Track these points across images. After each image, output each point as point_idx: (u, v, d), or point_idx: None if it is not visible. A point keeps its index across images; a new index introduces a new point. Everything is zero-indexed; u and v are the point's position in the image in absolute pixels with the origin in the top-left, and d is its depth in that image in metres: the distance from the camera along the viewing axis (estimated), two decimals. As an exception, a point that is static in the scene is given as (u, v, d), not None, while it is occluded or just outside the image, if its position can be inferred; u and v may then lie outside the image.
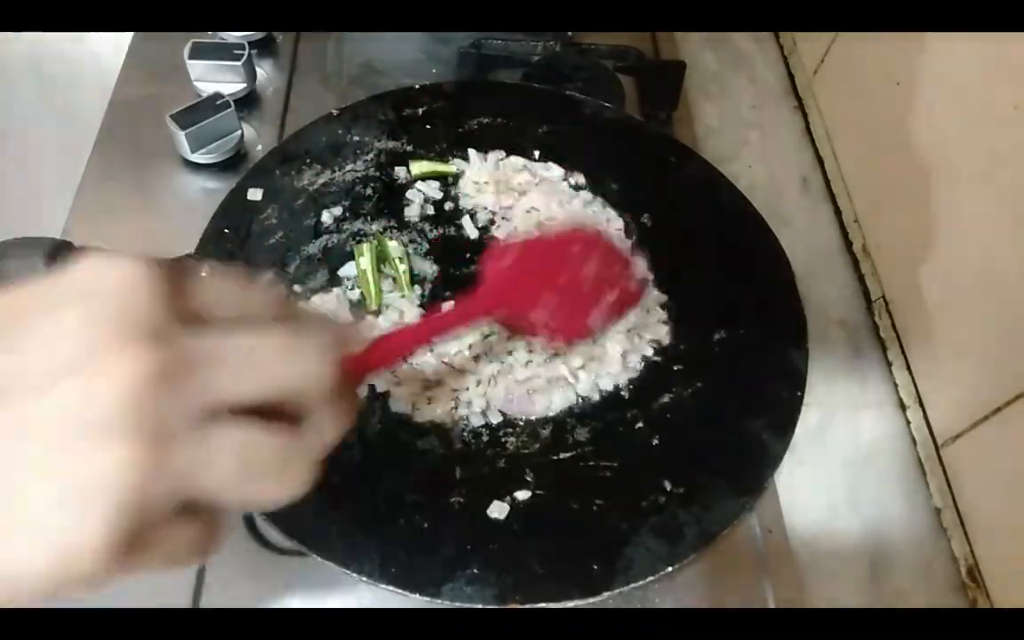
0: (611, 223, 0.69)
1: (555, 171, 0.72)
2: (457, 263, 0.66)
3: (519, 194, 0.70)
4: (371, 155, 0.72)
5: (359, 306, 0.62)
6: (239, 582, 0.54)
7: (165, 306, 0.27)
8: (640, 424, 0.59)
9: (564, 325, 0.55)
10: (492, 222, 0.69)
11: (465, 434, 0.57)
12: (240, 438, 0.28)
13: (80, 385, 0.25)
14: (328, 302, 0.62)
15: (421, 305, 0.63)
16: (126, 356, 0.25)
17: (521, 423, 0.58)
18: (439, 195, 0.70)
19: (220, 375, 0.28)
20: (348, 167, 0.71)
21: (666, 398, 0.59)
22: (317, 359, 0.31)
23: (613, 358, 0.60)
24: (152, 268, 0.28)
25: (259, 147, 0.76)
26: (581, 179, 0.72)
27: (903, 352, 0.66)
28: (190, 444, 0.26)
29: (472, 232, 0.68)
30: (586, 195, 0.71)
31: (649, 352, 0.62)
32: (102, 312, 0.26)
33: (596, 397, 0.59)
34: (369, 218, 0.68)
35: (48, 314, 0.26)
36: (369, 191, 0.70)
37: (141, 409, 0.25)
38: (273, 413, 0.30)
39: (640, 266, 0.64)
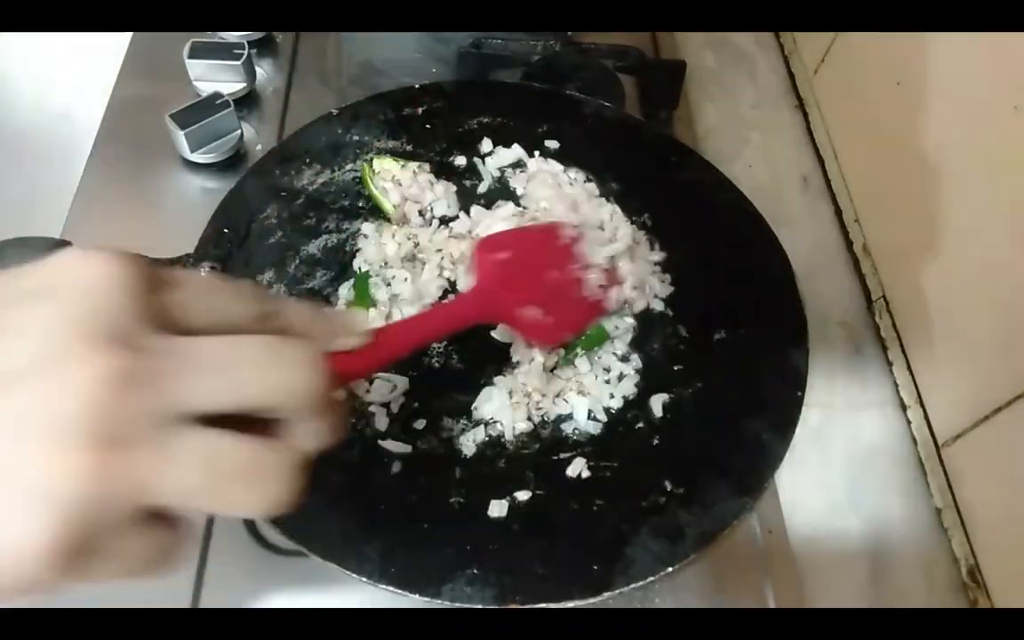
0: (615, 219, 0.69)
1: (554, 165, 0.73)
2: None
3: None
4: (371, 155, 0.72)
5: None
6: (239, 582, 0.54)
7: (136, 307, 0.27)
8: (640, 424, 0.58)
9: (550, 329, 0.57)
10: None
11: (465, 433, 0.57)
12: (207, 446, 0.27)
13: (41, 386, 0.25)
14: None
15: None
16: (89, 359, 0.25)
17: (521, 423, 0.58)
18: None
19: (188, 383, 0.27)
20: (348, 167, 0.71)
21: (666, 398, 0.59)
22: (296, 371, 0.30)
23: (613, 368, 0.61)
24: (127, 267, 0.27)
25: (259, 147, 0.76)
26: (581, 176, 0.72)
27: (903, 352, 0.66)
28: (151, 452, 0.26)
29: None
30: (590, 186, 0.71)
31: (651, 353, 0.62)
32: (71, 311, 0.26)
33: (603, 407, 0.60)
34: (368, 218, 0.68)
35: (17, 309, 0.26)
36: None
37: (99, 414, 0.25)
38: (251, 421, 0.29)
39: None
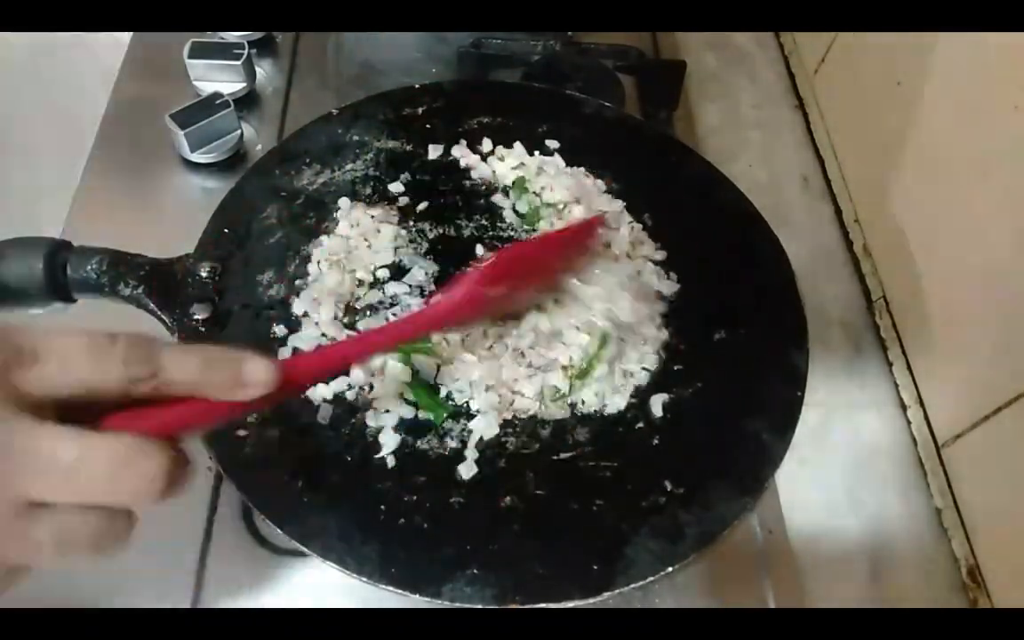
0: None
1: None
2: (457, 263, 0.66)
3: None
4: (371, 155, 0.72)
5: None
6: (239, 582, 0.54)
7: None
8: (640, 424, 0.58)
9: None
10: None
11: (465, 433, 0.57)
12: (56, 527, 0.29)
13: None
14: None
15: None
16: None
17: (521, 423, 0.58)
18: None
19: (30, 482, 0.28)
20: (348, 167, 0.71)
21: (666, 398, 0.59)
22: (142, 483, 0.31)
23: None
24: None
25: (259, 147, 0.76)
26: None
27: (903, 352, 0.66)
28: (5, 536, 0.28)
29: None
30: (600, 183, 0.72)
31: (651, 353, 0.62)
32: None
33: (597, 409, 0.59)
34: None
35: None
36: (369, 190, 0.70)
37: None
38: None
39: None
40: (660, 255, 0.67)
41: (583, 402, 0.58)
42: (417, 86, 0.77)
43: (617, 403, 0.59)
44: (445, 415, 0.57)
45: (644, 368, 0.60)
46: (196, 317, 0.58)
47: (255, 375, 0.35)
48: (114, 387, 0.31)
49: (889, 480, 0.62)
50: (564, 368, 0.59)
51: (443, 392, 0.58)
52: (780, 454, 0.56)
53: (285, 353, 0.59)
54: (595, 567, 0.51)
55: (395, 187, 0.70)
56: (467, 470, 0.55)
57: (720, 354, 0.62)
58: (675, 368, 0.61)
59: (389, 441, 0.56)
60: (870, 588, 0.57)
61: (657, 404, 0.59)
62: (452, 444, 0.56)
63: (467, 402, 0.58)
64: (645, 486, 0.55)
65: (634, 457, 0.57)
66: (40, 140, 0.94)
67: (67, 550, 0.30)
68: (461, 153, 0.72)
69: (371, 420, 0.57)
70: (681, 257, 0.67)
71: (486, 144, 0.73)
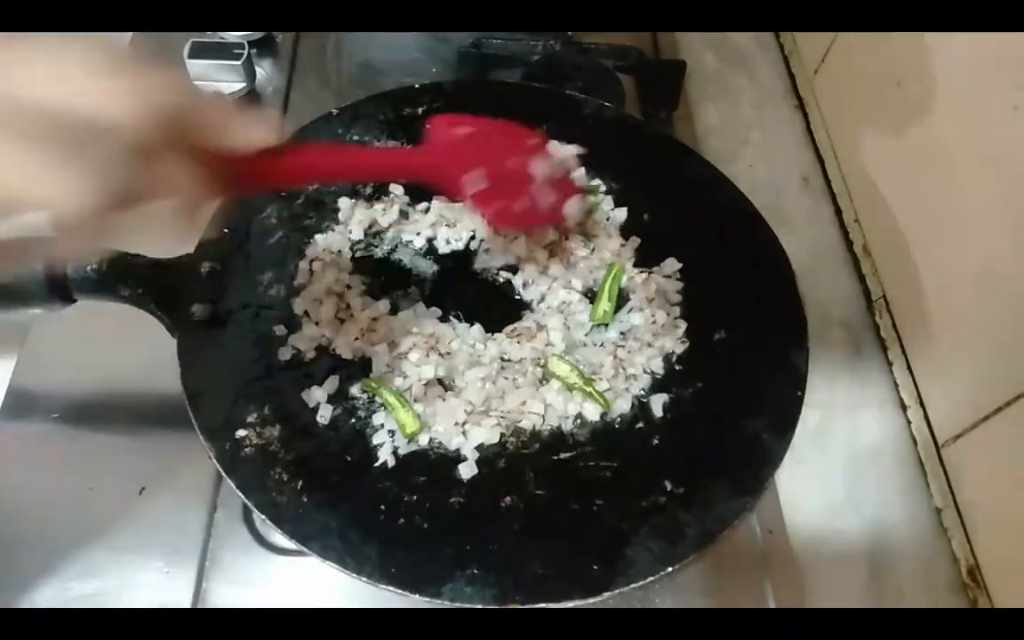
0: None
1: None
2: (458, 263, 0.66)
3: None
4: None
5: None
6: (239, 582, 0.54)
7: None
8: (640, 424, 0.59)
9: (500, 209, 0.57)
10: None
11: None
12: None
13: None
14: None
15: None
16: None
17: (521, 423, 0.58)
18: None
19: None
20: (348, 167, 0.71)
21: (666, 398, 0.59)
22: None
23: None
24: None
25: (259, 147, 0.76)
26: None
27: (903, 352, 0.66)
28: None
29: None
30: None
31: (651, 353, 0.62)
32: None
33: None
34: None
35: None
36: (369, 190, 0.69)
37: None
38: None
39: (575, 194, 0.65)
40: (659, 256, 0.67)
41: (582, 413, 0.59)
42: (417, 86, 0.77)
43: (621, 407, 0.59)
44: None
45: (646, 371, 0.61)
46: (196, 317, 0.58)
47: (267, 121, 0.40)
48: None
49: (889, 480, 0.62)
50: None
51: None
52: (780, 454, 0.56)
53: (285, 353, 0.59)
54: (595, 567, 0.51)
55: (395, 187, 0.70)
56: (467, 470, 0.55)
57: (720, 354, 0.62)
58: (675, 368, 0.61)
59: (389, 441, 0.56)
60: (870, 588, 0.57)
61: (657, 404, 0.59)
62: (452, 444, 0.56)
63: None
64: (645, 486, 0.55)
65: (634, 457, 0.57)
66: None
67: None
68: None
69: (371, 420, 0.57)
70: (681, 257, 0.67)
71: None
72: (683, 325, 0.63)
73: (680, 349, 0.62)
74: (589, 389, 0.58)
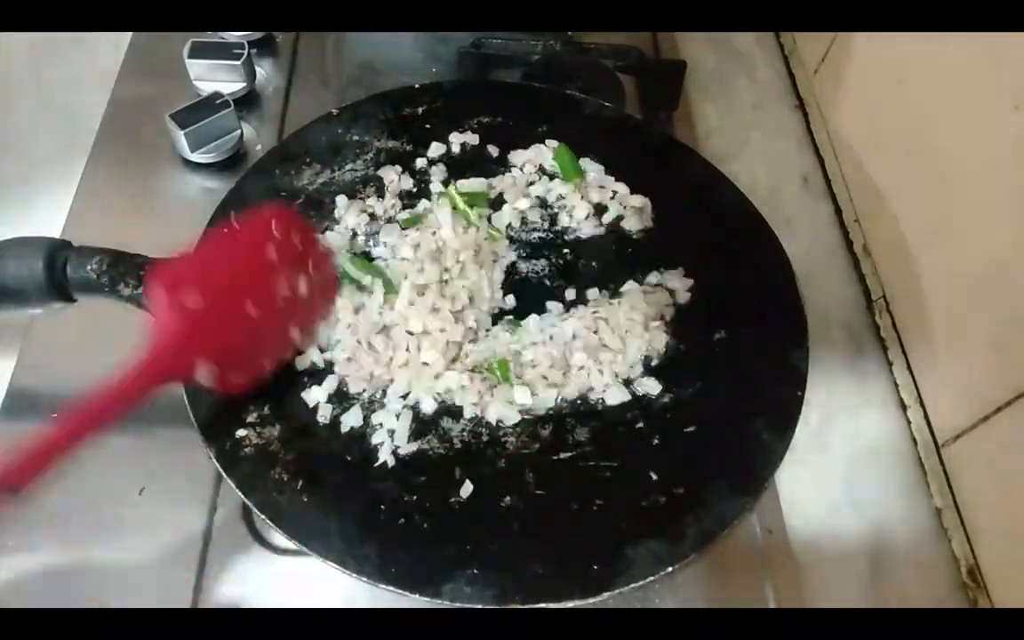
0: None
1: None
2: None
3: None
4: (371, 154, 0.72)
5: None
6: (239, 582, 0.54)
7: None
8: (640, 424, 0.58)
9: (231, 382, 0.53)
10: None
11: (465, 433, 0.57)
12: None
13: None
14: None
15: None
16: None
17: (520, 423, 0.58)
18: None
19: None
20: (348, 167, 0.71)
21: (666, 398, 0.59)
22: None
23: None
24: None
25: (259, 147, 0.76)
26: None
27: (903, 352, 0.66)
28: None
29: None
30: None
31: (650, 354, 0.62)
32: None
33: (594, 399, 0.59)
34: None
35: None
36: (369, 190, 0.69)
37: None
38: None
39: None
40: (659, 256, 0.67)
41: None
42: (417, 86, 0.77)
43: (616, 395, 0.59)
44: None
45: (642, 367, 0.61)
46: (196, 317, 0.58)
47: None
48: None
49: (889, 480, 0.62)
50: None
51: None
52: (780, 454, 0.56)
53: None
54: (595, 567, 0.51)
55: (392, 186, 0.70)
56: (467, 470, 0.55)
57: (720, 354, 0.62)
58: (675, 368, 0.61)
59: (389, 441, 0.56)
60: (870, 588, 0.57)
61: (657, 404, 0.59)
62: (452, 444, 0.56)
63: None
64: (645, 486, 0.55)
65: (634, 457, 0.57)
66: (40, 140, 0.94)
67: None
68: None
69: (371, 419, 0.57)
70: (681, 257, 0.67)
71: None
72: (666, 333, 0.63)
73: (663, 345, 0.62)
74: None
